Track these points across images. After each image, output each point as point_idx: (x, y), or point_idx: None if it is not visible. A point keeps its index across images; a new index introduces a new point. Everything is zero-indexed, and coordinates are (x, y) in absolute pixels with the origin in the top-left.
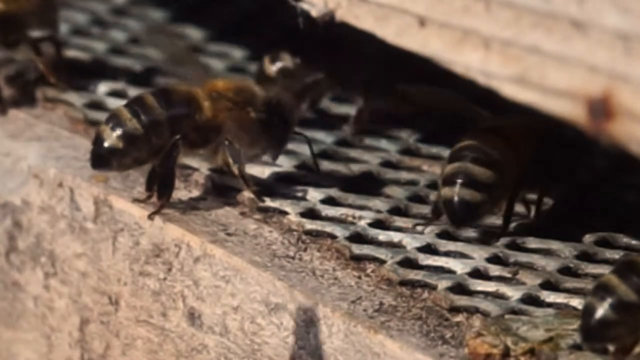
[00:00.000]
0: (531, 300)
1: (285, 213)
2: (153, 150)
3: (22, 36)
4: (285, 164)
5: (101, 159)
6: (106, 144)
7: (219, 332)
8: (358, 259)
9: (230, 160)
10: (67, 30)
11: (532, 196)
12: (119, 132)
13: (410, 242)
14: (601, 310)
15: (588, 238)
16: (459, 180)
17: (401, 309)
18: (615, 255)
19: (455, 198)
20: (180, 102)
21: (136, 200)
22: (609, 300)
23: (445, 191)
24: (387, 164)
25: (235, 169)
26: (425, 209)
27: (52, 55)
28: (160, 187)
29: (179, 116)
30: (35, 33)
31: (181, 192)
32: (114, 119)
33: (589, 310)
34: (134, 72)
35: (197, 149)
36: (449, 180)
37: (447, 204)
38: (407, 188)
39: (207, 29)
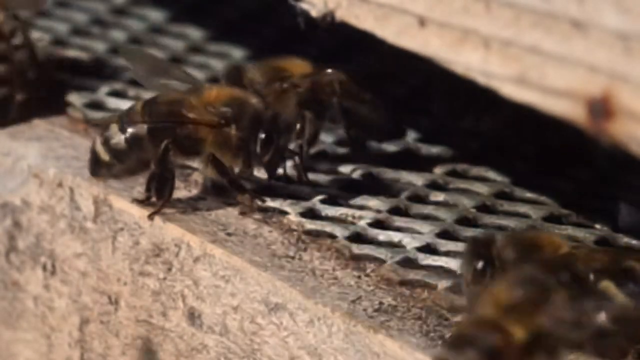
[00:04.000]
0: None
1: (285, 213)
2: (141, 161)
3: None
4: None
5: (93, 168)
6: (97, 155)
7: (219, 332)
8: (358, 258)
9: (218, 176)
10: (67, 30)
11: None
12: (107, 145)
13: (410, 242)
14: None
15: (588, 238)
16: None
17: (401, 308)
18: None
19: None
20: (164, 114)
21: (136, 200)
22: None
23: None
24: (387, 164)
25: (225, 182)
26: (425, 209)
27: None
28: (159, 187)
29: (160, 130)
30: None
31: (181, 192)
32: (107, 129)
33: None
34: None
35: (190, 158)
36: None
37: None
38: (407, 188)
39: (207, 29)
